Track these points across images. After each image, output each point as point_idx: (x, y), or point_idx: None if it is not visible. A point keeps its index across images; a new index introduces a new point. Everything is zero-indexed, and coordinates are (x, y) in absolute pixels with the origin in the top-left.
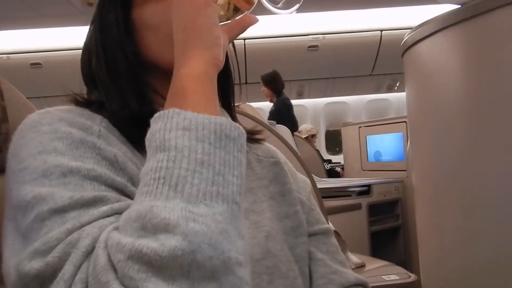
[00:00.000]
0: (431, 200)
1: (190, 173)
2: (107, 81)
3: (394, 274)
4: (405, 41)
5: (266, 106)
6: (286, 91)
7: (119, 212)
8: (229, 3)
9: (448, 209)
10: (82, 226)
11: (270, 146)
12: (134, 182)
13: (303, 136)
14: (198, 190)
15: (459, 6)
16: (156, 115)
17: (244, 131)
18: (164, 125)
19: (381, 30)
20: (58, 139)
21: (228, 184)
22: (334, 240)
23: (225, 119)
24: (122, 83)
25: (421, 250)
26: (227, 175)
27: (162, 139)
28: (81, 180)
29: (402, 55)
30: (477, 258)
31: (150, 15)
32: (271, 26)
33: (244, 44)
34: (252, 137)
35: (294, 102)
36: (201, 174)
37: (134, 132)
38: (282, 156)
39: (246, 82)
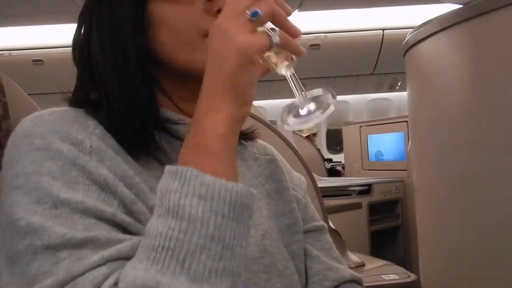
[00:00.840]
0: (431, 200)
1: (199, 249)
2: (111, 78)
3: (394, 273)
4: (407, 40)
5: (267, 104)
6: (287, 90)
7: (110, 260)
8: (274, 57)
9: (449, 209)
10: (74, 278)
11: (266, 144)
12: (126, 204)
13: (304, 135)
14: (205, 267)
15: (461, 5)
16: (173, 168)
17: (255, 194)
18: (180, 187)
19: (383, 29)
20: (51, 159)
21: (235, 257)
22: (328, 237)
23: (242, 186)
24: (130, 80)
25: (421, 250)
26: (235, 247)
27: (176, 204)
28: (71, 214)
29: (404, 55)
30: (477, 258)
31: (169, 14)
32: None
33: None
34: (247, 135)
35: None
36: (210, 250)
37: (131, 135)
38: (277, 153)
39: None
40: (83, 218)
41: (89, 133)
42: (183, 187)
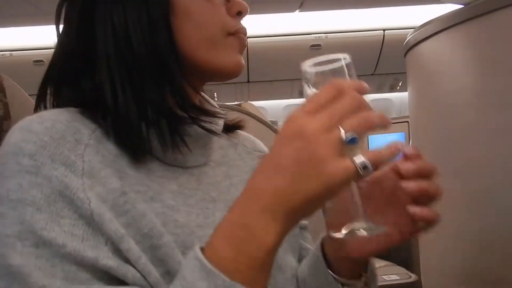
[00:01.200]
0: None
1: None
2: (124, 79)
3: (395, 274)
4: (408, 40)
5: (268, 104)
6: (288, 91)
7: None
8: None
9: (450, 209)
10: None
11: (254, 138)
12: (113, 242)
13: None
14: None
15: (462, 6)
16: (206, 267)
17: None
18: None
19: (384, 30)
20: (38, 186)
21: None
22: (309, 235)
23: None
24: (150, 74)
25: (422, 251)
26: None
27: None
28: (51, 256)
29: (405, 55)
30: (478, 258)
31: (194, 8)
32: (273, 25)
33: (246, 43)
34: (235, 126)
35: (296, 101)
36: None
37: (138, 139)
38: (266, 148)
39: (248, 81)
40: (63, 264)
41: (84, 146)
42: None
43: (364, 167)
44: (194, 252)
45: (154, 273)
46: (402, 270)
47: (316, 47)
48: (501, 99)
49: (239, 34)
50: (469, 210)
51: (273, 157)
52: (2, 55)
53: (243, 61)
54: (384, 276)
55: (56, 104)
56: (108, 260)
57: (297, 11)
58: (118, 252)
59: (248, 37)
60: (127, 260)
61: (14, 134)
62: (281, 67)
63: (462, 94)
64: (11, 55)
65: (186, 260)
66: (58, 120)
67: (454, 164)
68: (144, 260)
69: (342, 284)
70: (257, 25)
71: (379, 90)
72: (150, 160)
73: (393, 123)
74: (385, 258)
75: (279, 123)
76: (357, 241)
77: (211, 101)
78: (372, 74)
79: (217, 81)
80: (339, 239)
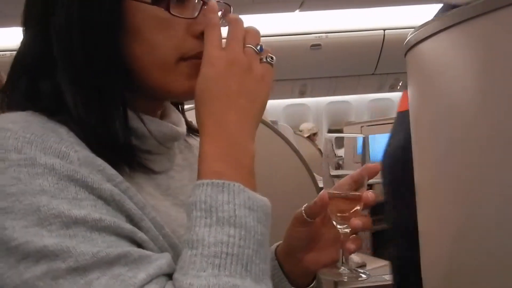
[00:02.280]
0: (433, 200)
1: (255, 253)
2: (76, 88)
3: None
4: (408, 40)
5: (268, 104)
6: (288, 90)
7: (155, 277)
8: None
9: (450, 209)
10: None
11: None
12: (133, 220)
13: (305, 135)
14: (259, 269)
15: (463, 5)
16: (219, 182)
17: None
18: (233, 199)
19: (384, 29)
20: (40, 175)
21: (267, 257)
22: None
23: (266, 199)
24: (95, 92)
25: (422, 250)
26: (267, 249)
27: (233, 214)
28: (88, 232)
29: (405, 55)
30: (479, 258)
31: (148, 29)
32: (274, 25)
33: None
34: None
35: (296, 101)
36: (260, 254)
37: (106, 148)
38: None
39: None
40: (102, 236)
41: (69, 141)
42: (235, 199)
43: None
44: (197, 182)
45: (171, 253)
46: None
47: (316, 47)
48: (503, 99)
49: (192, 60)
50: (470, 210)
51: (220, 90)
52: (2, 55)
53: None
54: (384, 276)
55: (7, 106)
56: (141, 234)
57: (297, 11)
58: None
59: None
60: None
61: None
62: (281, 67)
63: (463, 94)
64: (12, 55)
65: (191, 195)
66: (31, 121)
67: (455, 164)
68: (161, 240)
69: None
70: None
71: (379, 89)
72: (120, 166)
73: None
74: (385, 257)
75: (279, 123)
76: (314, 256)
77: (176, 113)
78: (373, 74)
79: (169, 101)
80: (323, 276)
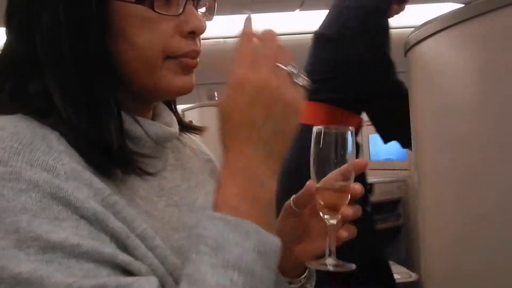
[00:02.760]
0: (433, 200)
1: None
2: (74, 94)
3: (396, 273)
4: (408, 40)
5: None
6: None
7: None
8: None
9: (450, 208)
10: None
11: (196, 139)
12: (118, 239)
13: None
14: None
15: (462, 5)
16: (230, 219)
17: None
18: (242, 241)
19: None
20: (24, 192)
21: None
22: None
23: (277, 241)
24: (95, 98)
25: (423, 250)
26: None
27: (239, 258)
28: (65, 259)
29: (405, 54)
30: (479, 258)
31: (133, 29)
32: (274, 24)
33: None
34: (195, 128)
35: None
36: None
37: (98, 156)
38: (208, 150)
39: None
40: (80, 263)
41: (57, 151)
42: (245, 242)
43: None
44: (210, 213)
45: (161, 269)
46: (402, 269)
47: None
48: (502, 97)
49: (180, 58)
50: (469, 209)
51: (245, 119)
52: None
53: (192, 80)
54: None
55: None
56: (124, 256)
57: (297, 10)
58: (124, 249)
59: None
60: (135, 257)
61: None
62: None
63: (463, 92)
64: None
65: (201, 226)
66: (21, 126)
67: (454, 163)
68: (150, 256)
69: (289, 283)
70: (258, 25)
71: None
72: (113, 168)
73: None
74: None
75: None
76: (304, 248)
77: (167, 112)
78: None
79: (161, 100)
80: (310, 267)
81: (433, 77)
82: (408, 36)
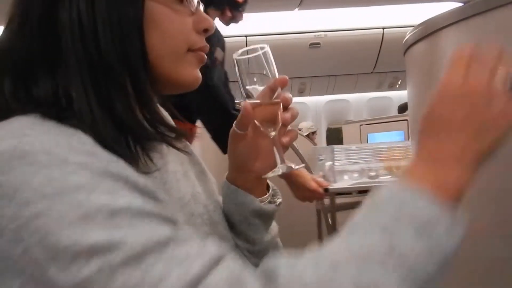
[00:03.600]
0: None
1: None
2: (92, 77)
3: None
4: (407, 39)
5: None
6: (287, 88)
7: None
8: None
9: None
10: (196, 281)
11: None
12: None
13: (304, 134)
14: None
15: (461, 4)
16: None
17: None
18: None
19: (383, 28)
20: (73, 173)
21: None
22: None
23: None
24: (118, 82)
25: None
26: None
27: (441, 243)
28: (133, 220)
29: (404, 53)
30: (479, 257)
31: (164, 17)
32: (273, 23)
33: (246, 41)
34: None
35: (295, 99)
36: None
37: (123, 147)
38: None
39: None
40: (147, 222)
41: (88, 143)
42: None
43: None
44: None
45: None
46: None
47: (315, 46)
48: None
49: (198, 52)
50: (469, 209)
51: (444, 119)
52: None
53: (200, 75)
54: None
55: None
56: (184, 225)
57: (296, 9)
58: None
59: (247, 36)
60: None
61: (4, 143)
62: (280, 66)
63: None
64: None
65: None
66: (47, 125)
67: None
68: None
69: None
70: (257, 24)
71: (378, 88)
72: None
73: (393, 121)
74: None
75: None
76: (260, 164)
77: (165, 112)
78: (371, 73)
79: (171, 93)
80: (265, 177)
81: (431, 75)
82: (406, 35)
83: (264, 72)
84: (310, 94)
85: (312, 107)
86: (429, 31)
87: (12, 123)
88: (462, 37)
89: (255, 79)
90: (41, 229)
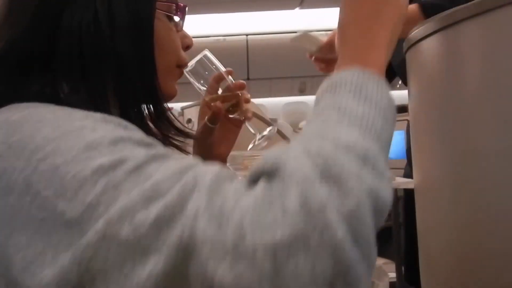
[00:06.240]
0: (431, 199)
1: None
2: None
3: (395, 272)
4: (408, 38)
5: (268, 102)
6: (287, 88)
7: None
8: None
9: (449, 208)
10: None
11: None
12: None
13: None
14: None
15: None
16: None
17: None
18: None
19: None
20: (78, 119)
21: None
22: None
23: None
24: (131, 80)
25: (421, 249)
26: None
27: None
28: (136, 146)
29: (405, 52)
30: (479, 257)
31: (165, 35)
32: (274, 22)
33: (247, 40)
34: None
35: (295, 98)
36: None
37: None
38: None
39: (248, 78)
40: (149, 148)
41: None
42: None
43: None
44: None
45: None
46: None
47: None
48: (503, 97)
49: (182, 68)
50: (469, 208)
51: (356, 17)
52: None
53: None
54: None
55: None
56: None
57: (297, 8)
58: None
59: (248, 34)
60: None
61: (25, 129)
62: (281, 65)
63: (463, 91)
64: None
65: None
66: (57, 109)
67: (454, 163)
68: None
69: None
70: (257, 22)
71: None
72: None
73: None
74: (384, 256)
75: (279, 121)
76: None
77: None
78: None
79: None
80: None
81: (433, 75)
82: (410, 33)
83: (210, 73)
84: (310, 94)
85: (312, 106)
86: (431, 30)
87: (19, 104)
88: (463, 37)
89: (206, 81)
90: (48, 168)
